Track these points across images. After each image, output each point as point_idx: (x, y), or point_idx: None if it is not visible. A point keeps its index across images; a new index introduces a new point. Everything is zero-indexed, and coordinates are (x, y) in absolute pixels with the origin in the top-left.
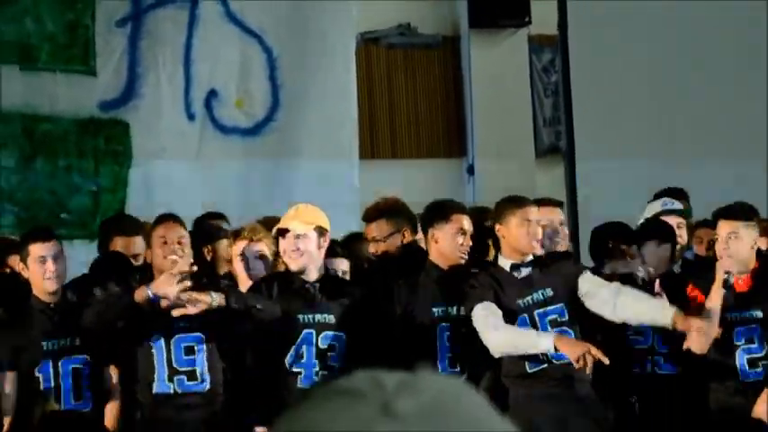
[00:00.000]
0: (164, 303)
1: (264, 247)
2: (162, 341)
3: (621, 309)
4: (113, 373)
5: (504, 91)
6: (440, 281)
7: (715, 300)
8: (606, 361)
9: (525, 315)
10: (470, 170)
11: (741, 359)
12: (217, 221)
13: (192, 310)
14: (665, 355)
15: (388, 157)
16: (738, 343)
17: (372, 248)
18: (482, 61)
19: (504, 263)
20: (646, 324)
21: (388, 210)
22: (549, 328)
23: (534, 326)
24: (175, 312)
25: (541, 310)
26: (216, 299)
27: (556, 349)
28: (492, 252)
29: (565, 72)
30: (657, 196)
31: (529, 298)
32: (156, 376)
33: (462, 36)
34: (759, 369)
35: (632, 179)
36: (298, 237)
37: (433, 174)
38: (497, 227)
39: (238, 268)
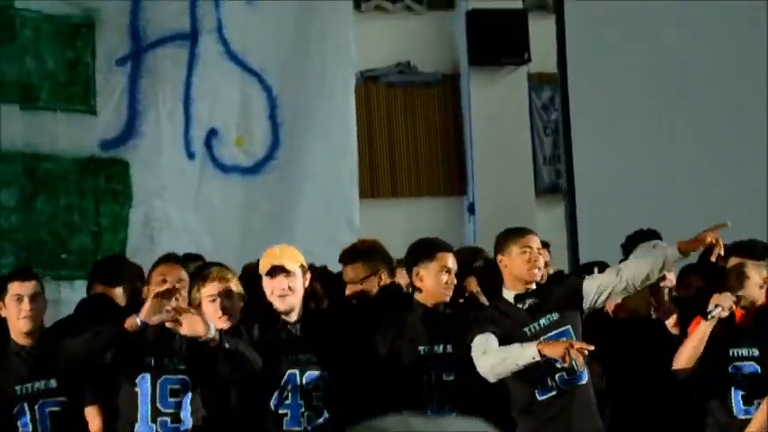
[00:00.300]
0: (154, 320)
1: (235, 288)
2: (148, 381)
3: (625, 271)
4: (95, 414)
5: (503, 129)
6: (425, 319)
7: (702, 327)
8: (590, 347)
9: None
10: (471, 209)
11: (736, 396)
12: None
13: (184, 329)
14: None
15: (389, 196)
16: (735, 378)
17: (349, 290)
18: (482, 99)
19: (508, 294)
20: (652, 271)
21: (365, 252)
22: None
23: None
24: (168, 324)
25: (549, 335)
26: (212, 332)
27: (542, 355)
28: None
29: (564, 110)
30: (631, 238)
31: (535, 324)
32: (138, 416)
33: (462, 74)
34: (752, 407)
35: (633, 215)
36: (288, 275)
37: (434, 212)
38: (499, 257)
39: (210, 310)
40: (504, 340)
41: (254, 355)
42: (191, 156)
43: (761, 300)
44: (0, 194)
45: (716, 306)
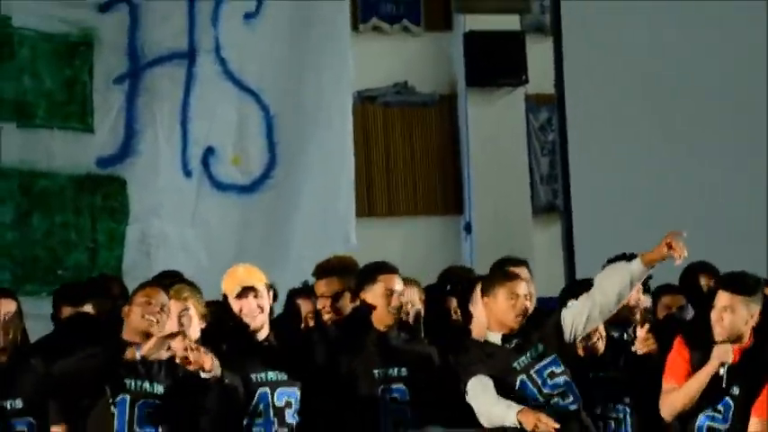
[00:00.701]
0: (154, 356)
1: (192, 307)
2: (127, 402)
3: (597, 295)
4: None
5: (500, 149)
6: (378, 342)
7: (701, 381)
8: (556, 426)
9: (523, 375)
10: (467, 228)
11: (702, 422)
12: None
13: (192, 365)
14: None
15: (385, 215)
16: (706, 411)
17: (320, 305)
18: (479, 119)
19: (495, 337)
20: (621, 291)
21: (339, 268)
22: (549, 381)
23: (535, 384)
24: (178, 360)
25: (538, 366)
26: (218, 368)
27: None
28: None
29: (562, 131)
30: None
31: (523, 358)
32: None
33: (459, 94)
34: None
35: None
36: (257, 296)
37: (430, 231)
38: (485, 299)
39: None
40: (495, 380)
41: (241, 387)
42: (188, 174)
43: (746, 336)
44: None
45: (722, 365)
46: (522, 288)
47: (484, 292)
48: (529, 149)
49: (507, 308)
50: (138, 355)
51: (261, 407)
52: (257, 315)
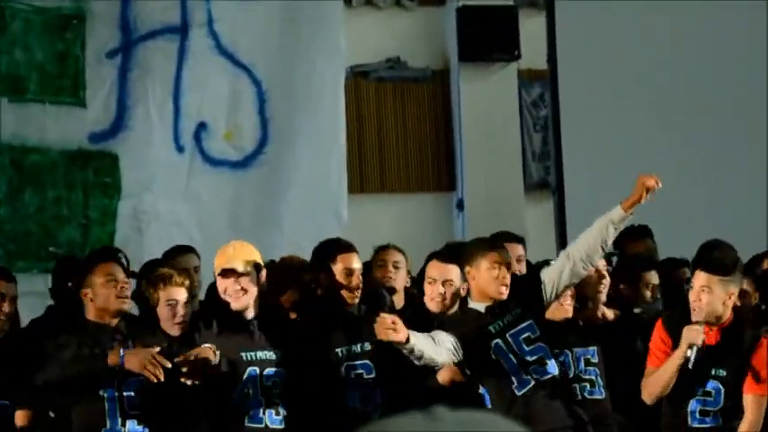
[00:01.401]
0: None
1: (186, 293)
2: (113, 389)
3: (574, 251)
4: (23, 416)
5: (493, 125)
6: (341, 320)
7: (674, 363)
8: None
9: (499, 339)
10: (460, 204)
11: (693, 407)
12: (185, 256)
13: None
14: (591, 381)
15: (377, 191)
16: (695, 394)
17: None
18: (471, 95)
19: (478, 306)
20: (603, 239)
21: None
22: (525, 346)
23: (510, 349)
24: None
25: (513, 331)
26: (218, 356)
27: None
28: None
29: (554, 107)
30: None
31: (499, 322)
32: (107, 420)
33: (452, 70)
34: (709, 418)
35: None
36: (240, 276)
37: (423, 208)
38: (467, 269)
39: (165, 313)
40: (468, 340)
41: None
42: (180, 149)
43: (726, 316)
44: None
45: (691, 347)
46: (503, 257)
47: (466, 262)
48: (521, 125)
49: (490, 278)
50: (120, 362)
51: (249, 385)
52: (239, 297)
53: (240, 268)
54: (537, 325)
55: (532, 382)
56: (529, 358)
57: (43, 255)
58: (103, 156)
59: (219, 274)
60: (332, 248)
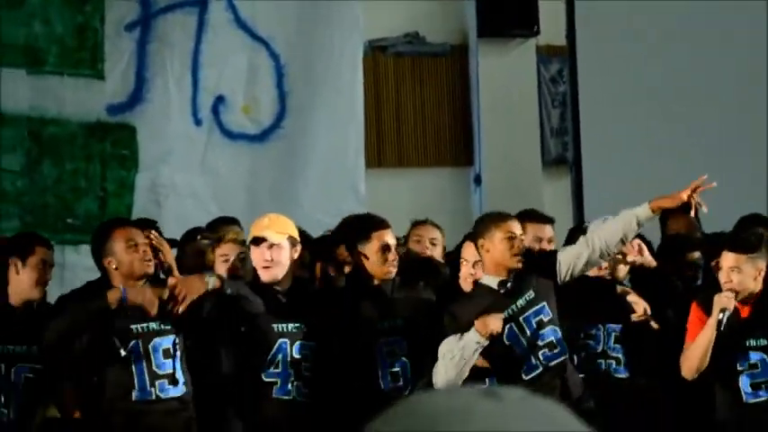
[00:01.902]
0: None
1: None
2: (140, 346)
3: (596, 239)
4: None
5: (511, 101)
6: (374, 297)
7: (708, 333)
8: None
9: (512, 323)
10: (477, 180)
11: (744, 383)
12: (226, 227)
13: (187, 299)
14: (617, 359)
15: (395, 166)
16: (741, 368)
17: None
18: (490, 70)
19: (491, 281)
20: (625, 233)
21: None
22: (538, 330)
23: (522, 332)
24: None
25: (526, 314)
26: (212, 281)
27: (492, 336)
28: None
29: (573, 82)
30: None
31: (513, 306)
32: (135, 382)
33: (471, 45)
34: (762, 391)
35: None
36: (272, 247)
37: (440, 182)
38: (481, 242)
39: (222, 270)
40: None
41: (256, 298)
42: (198, 122)
43: (757, 289)
44: (6, 158)
45: (722, 311)
46: (518, 228)
47: (479, 236)
48: (539, 101)
49: (505, 249)
50: (121, 295)
51: (279, 357)
52: (269, 267)
53: (271, 238)
54: (550, 308)
55: (540, 368)
56: (540, 342)
57: (60, 227)
58: (122, 128)
59: (251, 243)
60: (366, 225)
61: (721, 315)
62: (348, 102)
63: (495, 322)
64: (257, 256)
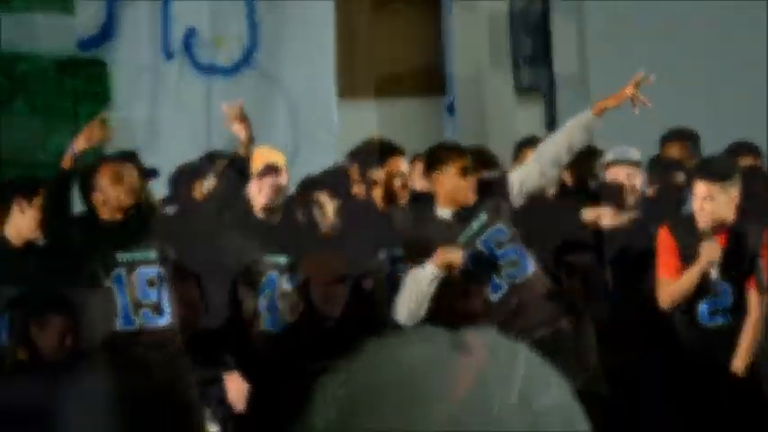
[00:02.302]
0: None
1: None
2: (123, 274)
3: (544, 150)
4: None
5: (483, 29)
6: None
7: (693, 278)
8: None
9: (469, 249)
10: (450, 109)
11: (702, 308)
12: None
13: None
14: None
15: (368, 96)
16: (705, 299)
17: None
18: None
19: (445, 213)
20: (571, 138)
21: None
22: (497, 251)
23: (481, 256)
24: None
25: (482, 238)
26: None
27: (452, 268)
28: None
29: (545, 10)
30: (665, 138)
31: (467, 231)
32: (118, 310)
33: None
34: (719, 316)
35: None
36: (281, 173)
37: (413, 112)
38: (433, 174)
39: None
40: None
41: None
42: (169, 56)
43: (731, 217)
44: None
45: (711, 264)
46: (471, 163)
47: (431, 167)
48: (511, 29)
49: (458, 184)
50: (73, 152)
51: (267, 290)
52: (279, 192)
53: (281, 165)
54: (507, 228)
55: (506, 286)
56: (501, 262)
57: (32, 162)
58: (93, 64)
59: (261, 173)
60: (380, 152)
61: (712, 270)
62: (320, 32)
63: (453, 254)
64: (267, 182)
